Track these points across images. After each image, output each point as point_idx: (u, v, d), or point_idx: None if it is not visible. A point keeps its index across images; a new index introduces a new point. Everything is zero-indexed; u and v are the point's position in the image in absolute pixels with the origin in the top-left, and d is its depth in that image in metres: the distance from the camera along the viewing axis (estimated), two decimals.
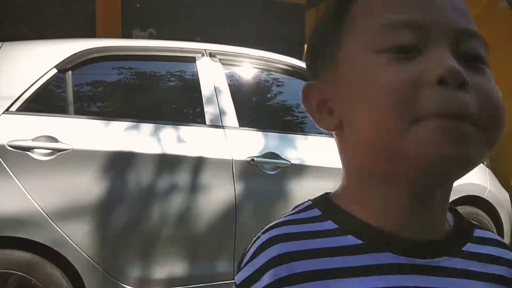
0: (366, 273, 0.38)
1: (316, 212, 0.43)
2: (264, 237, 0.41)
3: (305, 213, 0.43)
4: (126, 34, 4.38)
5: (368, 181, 0.41)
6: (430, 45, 0.37)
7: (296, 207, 0.45)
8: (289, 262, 0.39)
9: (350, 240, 0.40)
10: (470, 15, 0.41)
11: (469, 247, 0.42)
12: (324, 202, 0.44)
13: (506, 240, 3.13)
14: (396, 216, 0.40)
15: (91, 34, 4.26)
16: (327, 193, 0.46)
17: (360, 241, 0.40)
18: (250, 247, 0.42)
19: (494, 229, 3.02)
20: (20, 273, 1.85)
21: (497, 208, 3.05)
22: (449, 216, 0.44)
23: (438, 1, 0.39)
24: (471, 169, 0.39)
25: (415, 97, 0.36)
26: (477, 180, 2.99)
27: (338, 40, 0.42)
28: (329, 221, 0.41)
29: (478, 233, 0.44)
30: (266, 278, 0.39)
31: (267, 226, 0.43)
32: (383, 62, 0.37)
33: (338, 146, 0.45)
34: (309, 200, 0.45)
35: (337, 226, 0.41)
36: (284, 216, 0.44)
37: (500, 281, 0.41)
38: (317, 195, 0.46)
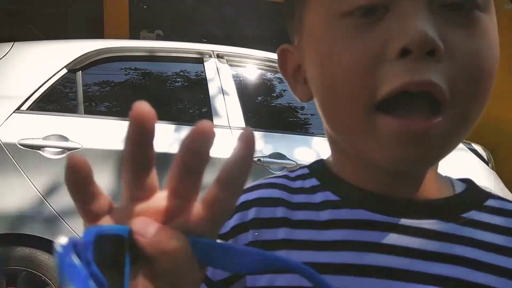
0: (337, 226, 0.38)
1: (305, 171, 0.44)
2: (259, 182, 0.44)
3: (296, 171, 0.45)
4: (134, 35, 4.42)
5: (343, 153, 0.41)
6: (400, 4, 0.32)
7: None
8: (266, 206, 0.41)
9: (327, 195, 0.40)
10: None
11: (473, 214, 0.39)
12: (315, 164, 0.45)
13: None
14: (373, 179, 0.39)
15: (99, 35, 4.30)
16: (323, 159, 0.46)
17: (337, 197, 0.40)
18: (246, 188, 0.43)
19: None
20: (30, 270, 1.89)
21: None
22: (459, 185, 0.42)
23: None
24: (444, 153, 0.36)
25: (374, 77, 0.32)
26: (482, 182, 3.00)
27: (304, 2, 0.38)
28: (314, 178, 0.42)
29: (493, 203, 0.40)
30: (250, 215, 0.41)
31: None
32: (343, 31, 0.33)
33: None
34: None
35: (319, 183, 0.42)
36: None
37: None
38: None
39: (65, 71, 2.12)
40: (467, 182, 0.43)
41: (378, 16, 0.32)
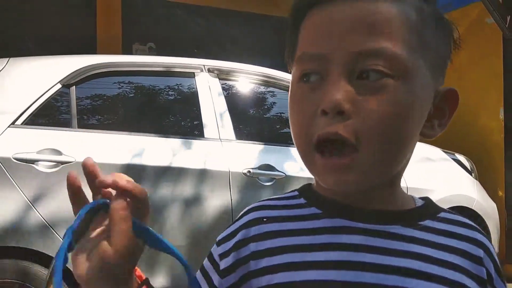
0: (319, 233, 0.48)
1: (295, 193, 0.54)
2: (247, 208, 0.54)
3: (287, 194, 0.55)
4: (126, 48, 4.46)
5: None
6: (329, 73, 0.44)
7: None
8: (259, 224, 0.51)
9: (312, 210, 0.51)
10: (377, 28, 0.43)
11: (428, 222, 0.50)
12: (303, 187, 0.55)
13: (495, 249, 3.21)
14: (347, 195, 0.50)
15: (92, 48, 4.34)
16: (310, 183, 0.56)
17: (320, 211, 0.50)
18: (242, 212, 0.54)
19: None
20: (22, 283, 1.91)
21: (485, 218, 3.13)
22: (419, 201, 0.54)
23: (338, 31, 0.44)
24: (368, 181, 0.46)
25: (311, 128, 0.45)
26: (465, 191, 3.08)
27: (292, 62, 0.51)
28: (301, 198, 0.53)
29: (445, 215, 0.52)
30: (238, 236, 0.51)
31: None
32: (298, 91, 0.47)
33: None
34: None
35: (306, 201, 0.52)
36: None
37: (463, 254, 0.49)
38: None
39: (59, 86, 2.17)
40: (426, 199, 0.55)
41: (317, 83, 0.46)
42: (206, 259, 0.53)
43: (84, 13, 4.51)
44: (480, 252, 0.50)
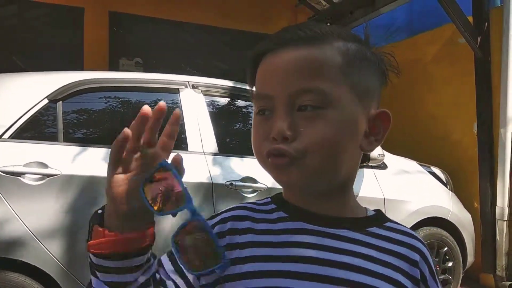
0: (284, 233, 0.59)
1: (268, 200, 0.65)
2: (229, 207, 0.65)
3: (262, 200, 0.66)
4: (113, 63, 4.53)
5: None
6: (276, 109, 0.57)
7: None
8: (238, 221, 0.61)
9: (280, 214, 0.61)
10: (309, 71, 0.55)
11: (374, 229, 0.61)
12: (275, 195, 0.66)
13: (470, 258, 3.32)
14: (304, 201, 0.61)
15: (79, 62, 4.40)
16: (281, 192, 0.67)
17: (286, 215, 0.61)
18: (224, 210, 0.65)
19: (458, 249, 3.21)
20: None
21: (460, 229, 3.24)
22: (371, 212, 0.65)
23: (279, 76, 0.57)
24: (310, 184, 0.57)
25: (264, 147, 0.58)
26: (440, 203, 3.20)
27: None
28: (273, 204, 0.64)
29: (390, 224, 0.63)
30: (216, 228, 0.61)
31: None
32: (256, 121, 0.60)
33: None
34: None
35: (275, 206, 0.63)
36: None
37: (401, 257, 0.59)
38: None
39: (46, 101, 2.23)
40: (377, 211, 0.66)
41: (269, 116, 0.58)
42: None
43: (71, 28, 4.57)
44: (416, 256, 0.60)
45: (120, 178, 0.53)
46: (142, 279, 0.55)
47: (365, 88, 0.59)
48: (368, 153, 0.57)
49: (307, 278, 0.54)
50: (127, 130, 0.52)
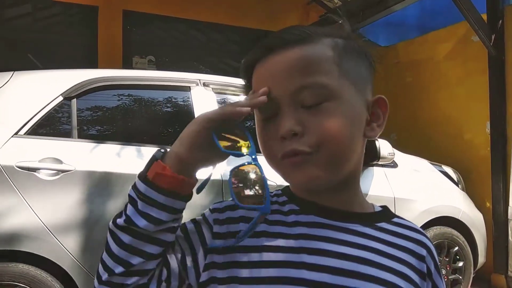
0: (298, 225, 0.60)
1: (279, 192, 0.68)
2: None
3: (274, 192, 0.67)
4: (127, 60, 4.58)
5: None
6: (280, 109, 0.58)
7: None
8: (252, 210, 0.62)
9: (292, 207, 0.63)
10: (304, 69, 0.57)
11: (383, 224, 0.63)
12: (286, 187, 0.68)
13: (481, 259, 3.29)
14: (312, 195, 0.62)
15: (93, 60, 4.46)
16: None
17: (297, 207, 0.63)
18: None
19: (468, 248, 3.19)
20: (22, 285, 1.99)
21: (471, 228, 3.22)
22: (378, 208, 0.67)
23: (276, 79, 0.58)
24: (325, 177, 0.58)
25: (276, 147, 0.58)
26: (451, 202, 3.18)
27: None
28: (284, 196, 0.66)
29: (397, 220, 0.65)
30: (229, 213, 0.64)
31: None
32: (261, 126, 0.61)
33: None
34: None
35: (287, 199, 0.65)
36: None
37: (409, 252, 0.61)
38: None
39: (61, 98, 2.28)
40: (384, 207, 0.68)
41: (274, 119, 0.59)
42: (199, 218, 0.66)
43: (85, 27, 4.64)
44: (423, 251, 0.62)
45: (205, 132, 0.57)
46: (171, 224, 0.59)
47: (359, 76, 0.61)
48: (373, 138, 0.58)
49: (318, 269, 0.56)
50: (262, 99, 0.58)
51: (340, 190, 0.62)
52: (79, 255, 2.09)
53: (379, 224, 0.62)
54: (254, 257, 0.58)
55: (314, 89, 0.57)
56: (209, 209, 0.66)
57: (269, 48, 0.60)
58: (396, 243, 0.61)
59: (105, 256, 0.59)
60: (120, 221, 0.58)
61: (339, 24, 0.66)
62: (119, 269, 0.57)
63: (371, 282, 0.56)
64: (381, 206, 0.68)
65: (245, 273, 0.57)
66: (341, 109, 0.57)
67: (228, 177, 0.56)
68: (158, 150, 0.60)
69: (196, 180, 0.61)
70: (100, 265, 0.59)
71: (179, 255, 0.61)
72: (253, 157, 0.56)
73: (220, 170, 2.42)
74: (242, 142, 0.58)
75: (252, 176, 0.56)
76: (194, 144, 0.57)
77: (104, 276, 0.58)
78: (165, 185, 0.56)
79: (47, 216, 2.06)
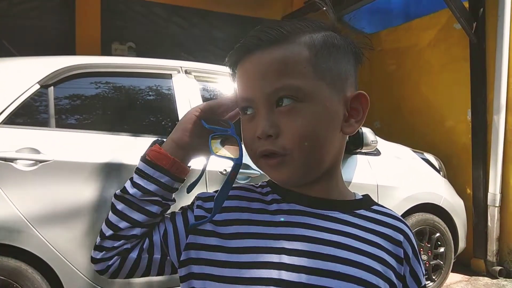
0: (279, 213, 0.63)
1: (264, 183, 0.70)
2: (234, 186, 0.68)
3: (260, 183, 0.71)
4: (105, 47, 4.47)
5: None
6: (257, 109, 0.61)
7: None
8: (237, 200, 0.67)
9: (274, 196, 0.66)
10: (280, 71, 0.59)
11: (362, 211, 0.65)
12: (270, 180, 0.70)
13: (461, 244, 3.37)
14: (298, 187, 0.65)
15: (71, 47, 4.34)
16: None
17: (280, 197, 0.66)
18: None
19: (450, 234, 3.25)
20: (4, 278, 1.95)
21: (452, 215, 3.28)
22: (359, 196, 0.69)
23: (253, 82, 0.61)
24: (300, 176, 0.61)
25: (254, 145, 0.62)
26: (433, 189, 3.23)
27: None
28: (268, 187, 0.68)
29: (377, 207, 0.68)
30: (210, 204, 0.67)
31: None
32: (243, 120, 0.65)
33: None
34: None
35: (270, 189, 0.68)
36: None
37: (386, 237, 0.63)
38: None
39: (37, 86, 2.21)
40: (365, 195, 0.71)
41: (253, 115, 0.62)
42: (186, 205, 0.71)
43: (62, 12, 4.50)
44: (400, 237, 0.65)
45: (195, 118, 0.66)
46: (157, 198, 0.66)
47: (337, 74, 0.61)
48: (351, 134, 0.64)
49: (297, 254, 0.58)
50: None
51: (320, 180, 0.64)
52: (60, 246, 2.06)
53: (358, 211, 0.65)
54: (236, 243, 0.60)
55: (288, 91, 0.59)
56: (195, 197, 0.71)
57: (246, 48, 0.62)
58: (373, 228, 0.63)
59: (103, 225, 0.67)
60: (118, 191, 0.67)
61: (323, 11, 0.66)
62: (109, 232, 0.66)
63: (347, 265, 0.58)
64: (362, 195, 0.70)
65: (223, 257, 0.60)
66: (315, 111, 0.59)
67: (209, 139, 0.63)
68: (156, 139, 0.70)
69: (189, 167, 0.69)
70: (98, 235, 0.68)
71: (162, 231, 0.67)
72: (232, 129, 0.65)
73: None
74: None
75: (228, 139, 0.65)
76: (185, 130, 0.66)
77: (98, 240, 0.67)
78: (158, 162, 0.66)
79: (26, 207, 2.02)
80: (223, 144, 0.65)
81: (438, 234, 3.19)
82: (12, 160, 2.02)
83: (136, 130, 2.42)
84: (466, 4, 3.64)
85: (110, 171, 2.20)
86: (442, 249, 3.22)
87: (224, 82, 2.78)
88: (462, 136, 3.99)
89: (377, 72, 4.86)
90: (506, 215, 3.66)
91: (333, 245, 0.59)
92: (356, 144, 2.80)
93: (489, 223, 3.67)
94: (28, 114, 2.20)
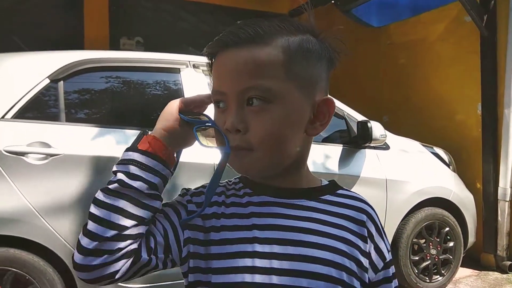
0: (251, 205, 0.67)
1: (237, 180, 0.74)
2: (206, 183, 0.72)
3: (233, 180, 0.74)
4: (114, 42, 4.49)
5: None
6: (229, 103, 0.64)
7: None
8: (217, 195, 0.70)
9: (246, 190, 0.70)
10: (253, 70, 0.61)
11: (328, 197, 0.70)
12: (243, 176, 0.73)
13: (471, 239, 3.34)
14: (264, 179, 0.69)
15: (80, 42, 4.37)
16: None
17: (251, 190, 0.69)
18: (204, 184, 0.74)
19: (459, 229, 3.23)
20: (15, 270, 1.99)
21: (462, 209, 3.26)
22: (325, 183, 0.73)
23: (227, 77, 0.63)
24: (263, 169, 0.65)
25: (226, 135, 0.65)
26: (442, 183, 3.21)
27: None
28: (241, 183, 0.72)
29: (341, 191, 0.72)
30: (198, 199, 0.70)
31: None
32: (215, 112, 0.68)
33: None
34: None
35: (242, 185, 0.71)
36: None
37: (350, 219, 0.67)
38: None
39: (47, 81, 2.23)
40: (331, 181, 0.74)
41: (225, 108, 0.65)
42: (174, 200, 0.72)
43: (71, 7, 4.52)
44: (363, 217, 0.69)
45: (178, 109, 0.69)
46: (157, 185, 0.66)
47: (308, 78, 0.64)
48: (313, 136, 0.70)
49: (269, 242, 0.63)
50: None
51: (287, 173, 0.68)
52: (70, 238, 2.08)
53: (323, 197, 0.69)
54: (218, 235, 0.65)
55: (259, 91, 0.62)
56: (185, 190, 0.73)
57: (224, 44, 0.64)
58: (337, 212, 0.68)
59: (91, 226, 0.61)
60: (112, 186, 0.63)
61: (306, 17, 0.68)
62: (111, 233, 0.60)
63: (315, 248, 0.63)
64: (328, 181, 0.74)
65: (214, 249, 0.64)
66: (282, 113, 0.62)
67: (194, 131, 0.66)
68: (145, 131, 0.71)
69: (175, 159, 0.70)
70: (84, 238, 0.61)
71: (162, 231, 0.67)
72: (212, 120, 0.67)
73: (211, 154, 2.40)
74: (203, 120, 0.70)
75: (212, 131, 0.68)
76: (176, 119, 0.68)
77: (92, 244, 0.60)
78: (153, 150, 0.66)
79: (37, 201, 2.04)
80: (204, 135, 0.68)
81: (447, 229, 3.17)
82: (23, 154, 2.04)
83: (144, 124, 2.43)
84: None
85: None
86: (451, 244, 3.20)
87: None
88: (472, 130, 3.95)
89: (386, 66, 4.82)
90: None
91: (301, 231, 0.64)
92: (365, 138, 2.79)
93: (499, 218, 3.64)
94: (38, 108, 2.22)
